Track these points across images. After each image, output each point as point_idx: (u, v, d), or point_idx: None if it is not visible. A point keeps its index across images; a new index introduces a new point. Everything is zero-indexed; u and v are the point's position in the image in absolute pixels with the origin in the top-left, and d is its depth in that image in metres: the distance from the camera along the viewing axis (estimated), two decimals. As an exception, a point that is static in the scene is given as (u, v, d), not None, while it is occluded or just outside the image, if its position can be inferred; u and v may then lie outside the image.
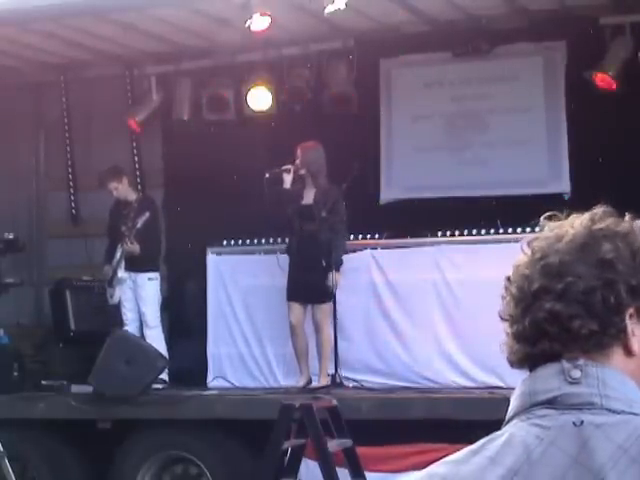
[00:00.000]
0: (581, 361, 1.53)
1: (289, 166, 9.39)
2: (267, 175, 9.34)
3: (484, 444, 1.53)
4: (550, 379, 1.53)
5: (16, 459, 8.16)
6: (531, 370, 1.58)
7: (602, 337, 1.54)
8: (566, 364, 1.53)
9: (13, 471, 7.51)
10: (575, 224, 1.60)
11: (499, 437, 1.53)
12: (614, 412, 1.50)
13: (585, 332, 1.53)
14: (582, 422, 1.49)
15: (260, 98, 10.66)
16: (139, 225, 9.75)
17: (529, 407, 1.53)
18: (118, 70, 11.44)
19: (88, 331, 10.48)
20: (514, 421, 1.54)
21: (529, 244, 1.61)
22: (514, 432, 1.52)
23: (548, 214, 1.65)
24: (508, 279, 1.61)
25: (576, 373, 1.52)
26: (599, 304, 1.53)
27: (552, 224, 1.62)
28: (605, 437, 1.47)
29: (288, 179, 9.38)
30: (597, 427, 1.48)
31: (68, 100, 11.78)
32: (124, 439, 8.88)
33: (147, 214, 9.78)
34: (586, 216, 1.61)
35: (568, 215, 1.64)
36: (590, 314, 1.53)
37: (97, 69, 11.34)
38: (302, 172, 9.42)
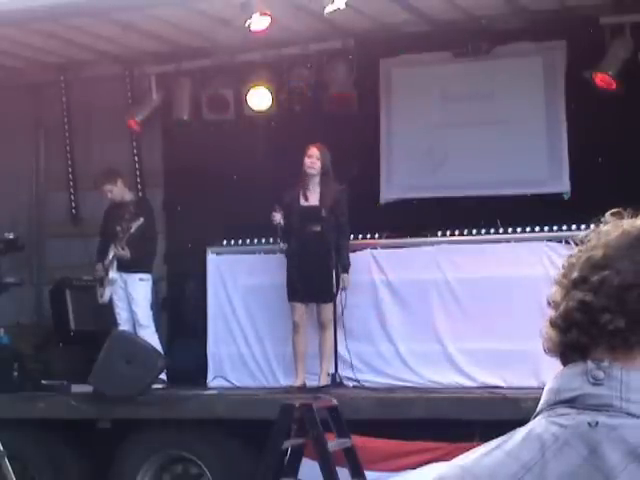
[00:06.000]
0: (606, 362, 1.51)
1: (277, 215, 9.36)
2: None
3: (506, 439, 1.53)
4: (574, 378, 1.53)
5: (16, 459, 8.15)
6: (562, 361, 1.57)
7: (629, 336, 1.51)
8: (590, 364, 1.52)
9: (13, 471, 7.50)
10: (635, 223, 1.58)
11: (520, 432, 1.53)
12: (632, 416, 1.48)
13: (611, 328, 1.51)
14: (597, 423, 1.48)
15: (260, 98, 10.67)
16: (132, 230, 9.76)
17: (553, 404, 1.53)
18: (118, 70, 11.44)
19: (88, 331, 10.49)
20: (538, 417, 1.54)
21: (586, 236, 1.61)
22: (533, 428, 1.52)
23: (614, 210, 1.64)
24: (562, 266, 1.61)
25: (599, 374, 1.51)
26: (632, 302, 1.51)
27: (614, 219, 1.61)
28: (619, 439, 1.46)
29: (279, 217, 9.38)
30: (612, 429, 1.47)
31: (68, 100, 11.78)
32: (124, 439, 8.89)
33: (141, 220, 9.78)
34: None
35: (635, 214, 1.62)
36: (621, 310, 1.51)
37: (97, 69, 11.34)
38: (312, 172, 9.39)
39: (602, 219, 1.62)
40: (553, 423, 1.51)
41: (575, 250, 1.60)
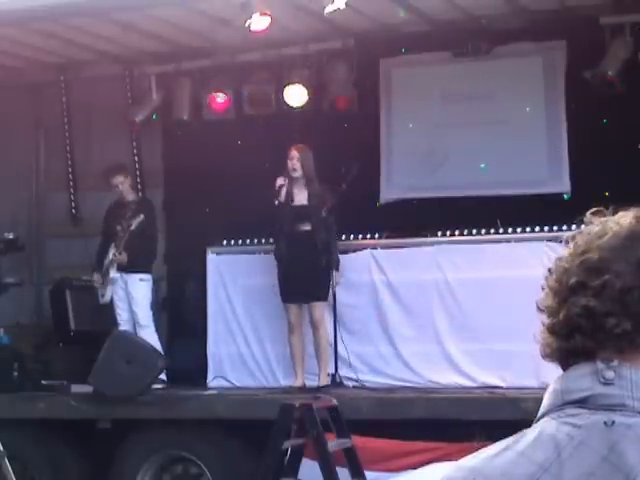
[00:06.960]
0: (615, 362, 1.51)
1: (280, 179, 9.42)
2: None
3: (516, 439, 1.53)
4: (583, 379, 1.52)
5: (16, 459, 8.15)
6: (562, 365, 1.57)
7: (635, 337, 1.52)
8: (600, 364, 1.52)
9: (13, 471, 7.50)
10: (620, 221, 1.58)
11: (530, 433, 1.52)
12: None
13: (618, 331, 1.51)
14: (613, 422, 1.48)
15: (260, 98, 10.65)
16: (133, 227, 9.78)
17: (561, 405, 1.53)
18: (118, 70, 11.44)
19: (88, 331, 10.48)
20: (545, 418, 1.53)
21: (572, 238, 1.60)
22: (544, 429, 1.51)
23: (594, 210, 1.63)
24: (549, 270, 1.60)
25: (609, 374, 1.51)
26: (636, 304, 1.51)
27: (597, 220, 1.60)
28: (636, 438, 1.46)
29: (281, 180, 9.45)
30: (628, 427, 1.47)
31: (68, 100, 11.78)
32: (124, 439, 8.89)
33: (142, 217, 9.80)
34: (631, 213, 1.59)
35: (615, 212, 1.62)
36: (625, 313, 1.51)
37: (97, 69, 11.34)
38: (297, 174, 9.45)
39: (584, 219, 1.62)
40: (565, 423, 1.50)
41: (564, 253, 1.59)
